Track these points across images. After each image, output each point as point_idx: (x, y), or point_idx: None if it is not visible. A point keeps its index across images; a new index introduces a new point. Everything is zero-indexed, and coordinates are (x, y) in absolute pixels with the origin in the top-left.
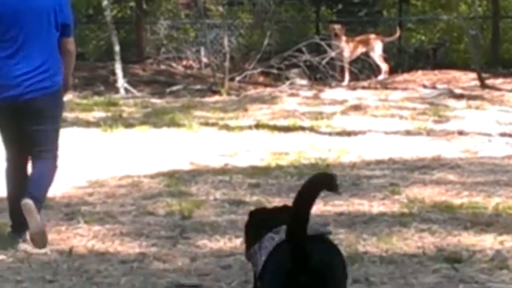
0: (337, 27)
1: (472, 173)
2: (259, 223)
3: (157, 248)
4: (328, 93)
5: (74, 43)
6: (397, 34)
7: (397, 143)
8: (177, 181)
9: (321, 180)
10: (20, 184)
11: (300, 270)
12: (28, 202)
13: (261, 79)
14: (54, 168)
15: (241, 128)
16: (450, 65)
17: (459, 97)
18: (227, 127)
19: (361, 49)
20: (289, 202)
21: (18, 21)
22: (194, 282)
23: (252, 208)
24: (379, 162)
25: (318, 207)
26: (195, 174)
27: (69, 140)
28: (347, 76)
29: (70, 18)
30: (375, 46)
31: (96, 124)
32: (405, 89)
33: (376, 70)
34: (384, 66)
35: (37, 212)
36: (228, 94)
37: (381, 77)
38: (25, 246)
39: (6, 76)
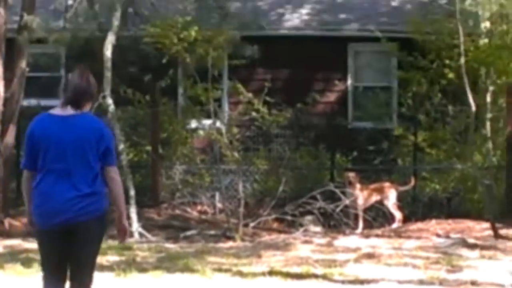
0: (351, 175)
1: None
2: None
3: None
4: (342, 241)
5: (117, 172)
6: (412, 183)
7: None
8: None
9: None
10: None
11: None
12: None
13: (275, 225)
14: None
15: (254, 274)
16: (464, 214)
17: (473, 247)
18: (240, 274)
19: (375, 197)
20: None
21: (65, 151)
22: None
23: None
24: None
25: None
26: None
27: None
28: (361, 224)
29: (112, 148)
30: (390, 195)
31: (110, 268)
32: (418, 238)
33: (390, 219)
34: (398, 215)
35: None
36: (242, 240)
37: (395, 225)
38: None
39: (55, 202)
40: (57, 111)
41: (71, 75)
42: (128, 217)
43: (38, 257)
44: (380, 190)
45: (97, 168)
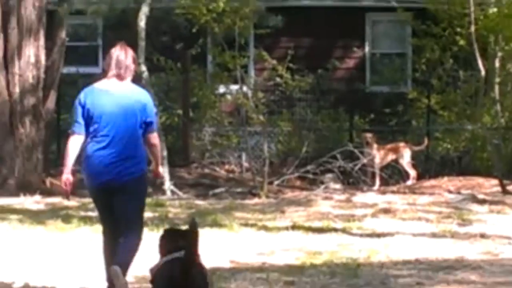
0: (368, 135)
1: (493, 273)
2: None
3: None
4: (360, 197)
5: (157, 137)
6: (425, 143)
7: (423, 245)
8: (218, 278)
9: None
10: (112, 252)
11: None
12: (116, 268)
13: (298, 183)
14: (138, 240)
15: (278, 229)
16: (474, 172)
17: (482, 202)
18: (265, 228)
19: (391, 156)
20: None
21: (112, 121)
22: None
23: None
24: (406, 263)
25: None
26: (235, 272)
27: None
28: (377, 181)
29: (153, 117)
30: (404, 154)
31: (144, 223)
32: (431, 194)
33: (404, 176)
34: (412, 173)
35: (123, 277)
36: (267, 197)
37: (409, 182)
38: None
39: (100, 165)
40: (103, 84)
41: (113, 50)
42: (161, 176)
43: (77, 213)
44: (396, 150)
45: (139, 135)
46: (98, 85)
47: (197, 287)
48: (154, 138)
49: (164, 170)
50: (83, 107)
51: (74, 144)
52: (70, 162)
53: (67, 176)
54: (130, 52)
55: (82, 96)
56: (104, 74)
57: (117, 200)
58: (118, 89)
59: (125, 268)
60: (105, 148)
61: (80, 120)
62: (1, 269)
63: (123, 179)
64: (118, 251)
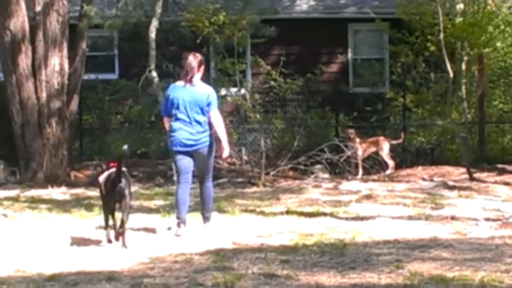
0: (350, 131)
1: (462, 251)
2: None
3: None
4: (345, 185)
5: (218, 113)
6: (402, 137)
7: (401, 227)
8: (222, 258)
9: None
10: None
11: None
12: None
13: (291, 173)
14: (211, 186)
15: (274, 214)
16: (445, 162)
17: (452, 188)
18: (263, 213)
19: (372, 149)
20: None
21: (186, 106)
22: None
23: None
24: (386, 242)
25: (336, 279)
26: (237, 252)
27: (135, 224)
28: (360, 171)
29: (215, 104)
30: (384, 147)
31: (157, 210)
32: (408, 181)
33: (384, 166)
34: (390, 163)
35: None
36: (264, 186)
37: (388, 172)
38: None
39: (182, 136)
40: (181, 82)
41: (186, 57)
42: (171, 169)
43: (98, 202)
44: (376, 143)
45: (206, 116)
46: (178, 83)
47: (119, 181)
48: (215, 113)
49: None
50: (168, 97)
51: (166, 122)
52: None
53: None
54: (197, 58)
55: (168, 90)
56: (181, 74)
57: (196, 160)
58: (190, 85)
59: (209, 209)
60: (184, 125)
61: (167, 107)
62: (35, 254)
63: (199, 146)
64: (203, 199)
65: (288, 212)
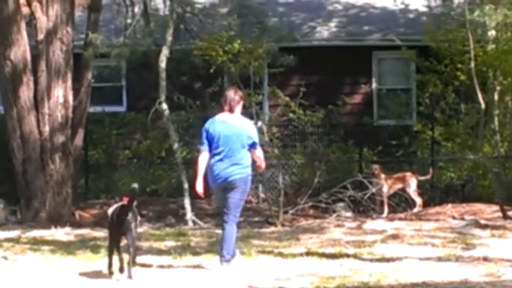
0: (375, 167)
1: None
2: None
3: None
4: (370, 224)
5: (260, 150)
6: (430, 173)
7: (430, 268)
8: None
9: None
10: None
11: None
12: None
13: (311, 212)
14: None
15: (293, 255)
16: (476, 199)
17: (484, 227)
18: (281, 254)
19: (398, 185)
20: None
21: (226, 140)
22: None
23: None
24: (414, 285)
25: None
26: None
27: (144, 267)
28: (386, 209)
29: (256, 140)
30: (411, 183)
31: (167, 252)
32: (437, 220)
33: (411, 204)
34: (418, 200)
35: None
36: (283, 225)
37: (415, 210)
38: None
39: (219, 170)
40: (220, 116)
41: (226, 92)
42: (183, 207)
43: (104, 243)
44: (402, 179)
45: (246, 150)
46: (217, 117)
47: (126, 214)
48: (256, 151)
49: (186, 202)
50: (207, 132)
51: (203, 158)
52: (201, 171)
53: (199, 184)
54: (238, 93)
55: (207, 124)
56: (221, 109)
57: (229, 193)
58: (230, 119)
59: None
60: (223, 159)
61: (205, 141)
62: None
63: (234, 178)
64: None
65: (308, 253)
